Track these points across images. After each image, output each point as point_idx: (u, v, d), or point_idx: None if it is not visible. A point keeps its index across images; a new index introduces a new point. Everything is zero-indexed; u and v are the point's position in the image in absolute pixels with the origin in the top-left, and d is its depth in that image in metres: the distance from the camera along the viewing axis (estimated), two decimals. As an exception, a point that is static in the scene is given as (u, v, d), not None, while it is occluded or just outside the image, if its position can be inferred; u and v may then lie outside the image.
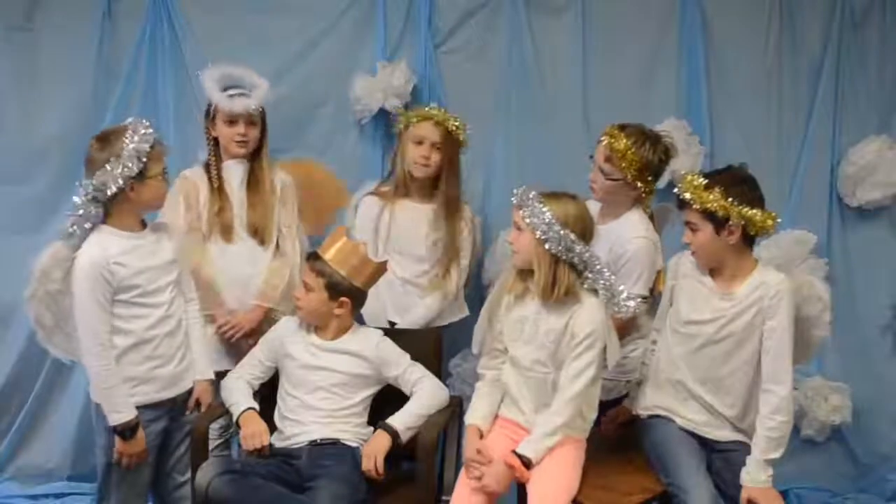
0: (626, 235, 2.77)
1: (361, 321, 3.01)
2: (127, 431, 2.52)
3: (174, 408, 2.67)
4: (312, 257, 2.77)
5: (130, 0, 3.52)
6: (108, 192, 2.47)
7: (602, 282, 2.51)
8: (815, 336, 2.63)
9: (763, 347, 2.52)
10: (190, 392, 2.71)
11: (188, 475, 2.68)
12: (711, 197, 2.47)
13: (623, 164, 2.71)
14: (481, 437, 2.58)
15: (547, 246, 2.46)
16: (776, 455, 2.46)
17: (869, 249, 3.55)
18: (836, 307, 3.43)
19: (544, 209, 2.47)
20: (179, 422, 2.70)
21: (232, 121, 3.00)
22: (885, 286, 3.56)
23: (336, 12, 3.53)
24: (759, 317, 2.52)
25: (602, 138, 2.78)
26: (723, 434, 2.59)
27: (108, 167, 2.45)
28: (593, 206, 2.80)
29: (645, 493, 2.57)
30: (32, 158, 3.52)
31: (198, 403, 2.72)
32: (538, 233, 2.47)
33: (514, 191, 2.56)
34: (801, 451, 3.53)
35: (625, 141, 2.71)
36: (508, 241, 2.61)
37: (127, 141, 2.46)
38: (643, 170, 2.73)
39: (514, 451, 2.47)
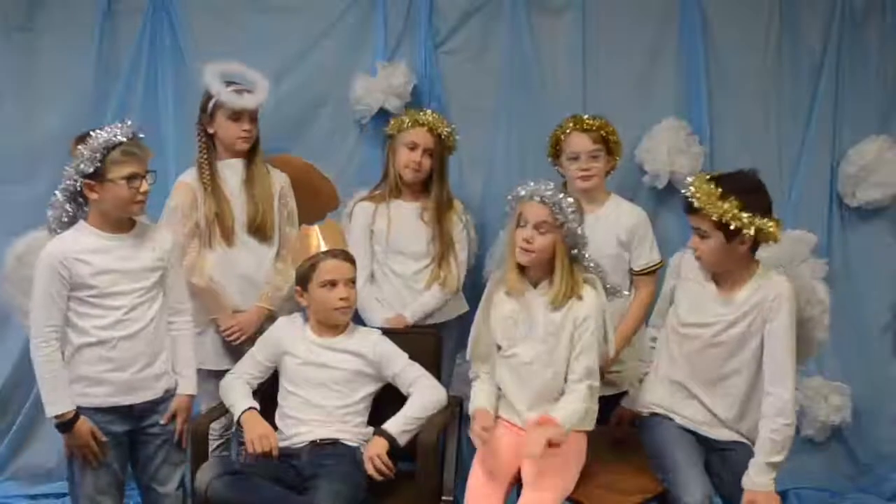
0: (625, 213, 3.07)
1: (360, 321, 3.02)
2: (61, 426, 2.50)
3: (132, 415, 2.59)
4: (343, 254, 2.75)
5: (130, 0, 3.52)
6: (72, 189, 2.49)
7: (592, 265, 2.60)
8: (816, 337, 2.63)
9: (764, 350, 2.50)
10: (154, 403, 2.62)
11: (170, 486, 2.65)
12: (727, 207, 2.41)
13: (606, 136, 3.00)
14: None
15: (573, 226, 2.52)
16: (779, 458, 2.44)
17: (869, 249, 3.55)
18: (836, 307, 3.45)
19: (563, 197, 2.53)
20: (149, 432, 2.63)
21: (237, 117, 3.01)
22: (885, 286, 3.56)
23: (336, 12, 3.53)
24: (760, 320, 2.50)
25: (572, 132, 3.02)
26: (721, 433, 2.59)
27: (70, 163, 2.48)
28: None
29: (645, 493, 2.57)
30: (32, 158, 3.52)
31: (174, 417, 2.65)
32: (567, 225, 2.51)
33: (528, 189, 2.54)
34: (801, 451, 3.52)
35: (592, 121, 3.01)
36: (525, 239, 2.54)
37: (90, 139, 2.46)
38: (618, 139, 3.05)
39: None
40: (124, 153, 2.47)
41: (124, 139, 2.47)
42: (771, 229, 2.44)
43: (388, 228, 3.12)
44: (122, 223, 2.57)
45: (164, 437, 2.64)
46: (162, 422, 2.63)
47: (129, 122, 2.53)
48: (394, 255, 3.14)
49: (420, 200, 3.17)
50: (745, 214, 2.41)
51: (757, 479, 2.43)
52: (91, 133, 2.48)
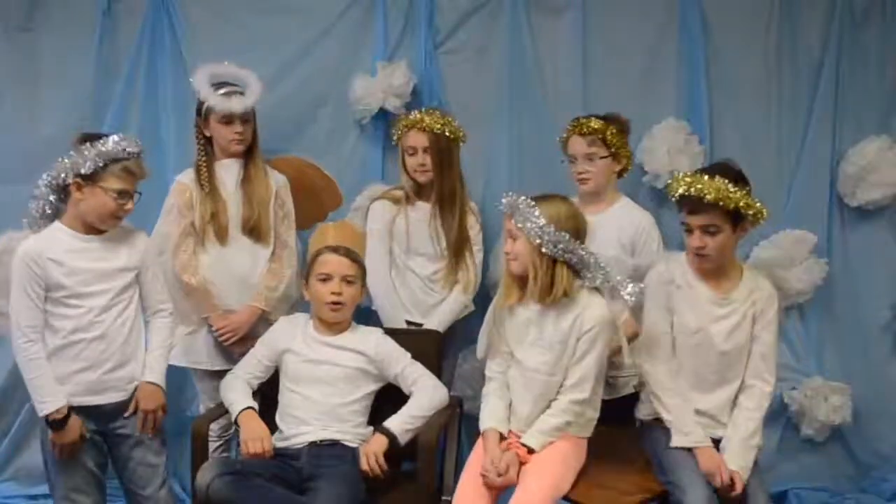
0: (631, 216, 3.02)
1: (378, 322, 3.02)
2: (55, 423, 2.50)
3: (101, 415, 2.58)
4: (345, 250, 2.75)
5: (130, 0, 3.52)
6: (59, 182, 2.50)
7: (601, 277, 2.53)
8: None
9: (752, 345, 2.59)
10: (124, 404, 2.61)
11: (150, 490, 2.64)
12: (741, 194, 2.46)
13: (609, 137, 2.93)
14: (502, 439, 2.56)
15: (543, 249, 2.47)
16: (758, 440, 2.54)
17: (869, 249, 3.54)
18: (836, 307, 3.48)
19: (535, 212, 2.49)
20: (119, 433, 2.61)
21: (228, 120, 3.00)
22: (885, 286, 3.55)
23: (336, 12, 3.53)
24: (752, 320, 2.59)
25: (571, 135, 3.00)
26: (721, 433, 2.60)
27: (67, 157, 2.48)
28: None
29: (644, 493, 2.57)
30: (32, 158, 3.49)
31: (136, 408, 2.61)
32: (532, 237, 2.48)
33: (502, 200, 2.56)
34: (801, 451, 3.53)
35: (594, 123, 2.95)
36: (505, 251, 2.59)
37: (100, 143, 2.47)
38: (623, 140, 2.99)
39: (519, 441, 2.51)
40: (125, 169, 2.50)
41: (131, 157, 2.50)
42: (764, 210, 2.52)
43: (407, 230, 3.11)
44: (90, 227, 2.56)
45: (136, 439, 2.62)
46: (125, 415, 2.60)
47: (138, 140, 2.55)
48: (413, 256, 3.14)
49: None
50: (752, 199, 2.49)
51: (745, 461, 2.50)
52: (102, 137, 2.49)
